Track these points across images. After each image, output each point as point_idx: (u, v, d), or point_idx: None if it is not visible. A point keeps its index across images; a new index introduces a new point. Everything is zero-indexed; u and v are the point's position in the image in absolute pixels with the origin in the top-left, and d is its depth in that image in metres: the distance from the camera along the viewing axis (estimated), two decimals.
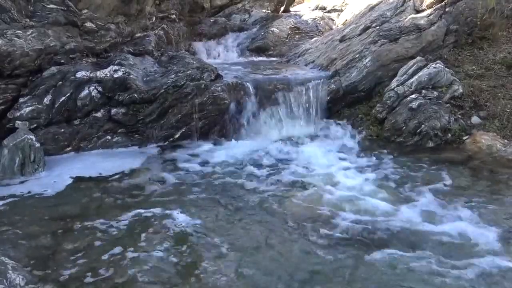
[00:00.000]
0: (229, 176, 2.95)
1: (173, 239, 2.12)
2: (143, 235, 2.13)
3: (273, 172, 3.01)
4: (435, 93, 3.73)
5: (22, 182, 2.76)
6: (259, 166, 3.14)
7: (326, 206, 2.41)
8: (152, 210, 2.41)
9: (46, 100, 3.27)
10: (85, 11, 3.65)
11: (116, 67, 3.51)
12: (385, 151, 3.45)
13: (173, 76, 3.64)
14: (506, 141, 3.31)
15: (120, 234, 2.16)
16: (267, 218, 2.33)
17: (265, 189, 2.73)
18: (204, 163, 3.18)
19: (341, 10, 6.02)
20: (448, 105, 3.69)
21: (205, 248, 2.00)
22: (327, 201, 2.47)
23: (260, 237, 2.10)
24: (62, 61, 3.44)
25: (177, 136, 3.58)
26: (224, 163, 3.17)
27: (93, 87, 3.41)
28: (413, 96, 3.72)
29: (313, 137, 3.69)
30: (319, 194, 2.55)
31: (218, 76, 3.80)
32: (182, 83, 3.60)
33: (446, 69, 3.83)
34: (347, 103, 4.08)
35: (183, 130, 3.58)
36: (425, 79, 3.77)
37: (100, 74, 3.45)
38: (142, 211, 2.41)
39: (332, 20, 5.89)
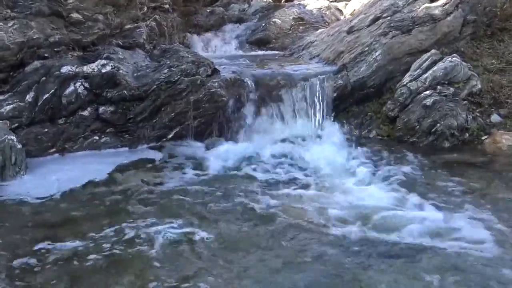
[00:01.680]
0: (227, 180, 2.94)
1: (165, 249, 2.11)
2: (135, 248, 2.12)
3: (275, 177, 2.99)
4: (451, 89, 3.73)
5: (2, 187, 2.75)
6: (259, 169, 3.13)
7: (335, 217, 2.38)
8: (144, 219, 2.39)
9: (29, 97, 3.26)
10: (71, 0, 3.63)
11: (104, 62, 3.49)
12: (397, 152, 3.45)
13: (166, 71, 3.63)
14: None
15: (109, 245, 2.15)
16: (272, 228, 2.31)
17: (267, 194, 2.73)
18: (200, 166, 3.17)
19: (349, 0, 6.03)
20: (465, 102, 3.69)
21: (207, 266, 1.96)
22: (336, 212, 2.44)
23: (269, 254, 2.05)
24: (46, 55, 3.42)
25: (170, 136, 3.57)
26: (222, 166, 3.16)
27: (79, 83, 3.40)
28: (427, 92, 3.72)
29: (319, 137, 3.68)
30: (327, 202, 2.54)
31: (215, 71, 3.79)
32: (176, 78, 3.59)
33: (463, 63, 3.83)
34: (355, 100, 4.08)
35: (177, 130, 3.58)
36: (441, 74, 3.78)
37: (87, 69, 3.44)
38: (134, 219, 2.40)
39: (339, 10, 5.87)
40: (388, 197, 2.62)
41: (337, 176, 2.96)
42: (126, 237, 2.22)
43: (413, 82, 3.80)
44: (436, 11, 4.20)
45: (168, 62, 3.73)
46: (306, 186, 2.81)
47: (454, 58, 3.85)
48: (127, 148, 3.48)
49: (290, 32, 5.60)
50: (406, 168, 3.12)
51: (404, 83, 3.84)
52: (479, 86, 3.79)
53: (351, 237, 2.18)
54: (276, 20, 5.55)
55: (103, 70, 3.46)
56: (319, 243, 2.11)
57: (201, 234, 2.22)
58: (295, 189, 2.80)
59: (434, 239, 2.14)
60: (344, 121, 3.90)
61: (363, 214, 2.42)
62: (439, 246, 2.09)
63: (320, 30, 5.22)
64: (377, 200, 2.57)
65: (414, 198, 2.62)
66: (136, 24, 4.05)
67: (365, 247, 2.09)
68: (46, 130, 3.29)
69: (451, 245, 2.11)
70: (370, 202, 2.55)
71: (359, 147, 3.51)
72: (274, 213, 2.47)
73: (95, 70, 3.45)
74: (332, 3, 6.02)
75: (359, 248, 2.08)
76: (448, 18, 4.19)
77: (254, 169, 3.11)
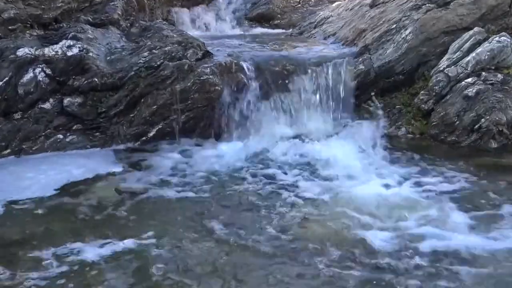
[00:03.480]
0: (221, 189, 2.91)
1: (138, 274, 2.07)
2: (106, 275, 2.08)
3: (281, 184, 2.96)
4: (500, 76, 3.68)
5: None
6: (261, 174, 3.10)
7: (353, 239, 2.31)
8: (116, 236, 2.36)
9: None
10: None
11: (70, 42, 3.47)
12: (432, 155, 3.40)
13: (146, 54, 3.61)
14: None
15: (73, 267, 2.12)
16: (278, 247, 2.25)
17: (270, 205, 2.68)
18: (188, 171, 3.15)
19: None
20: None
21: None
22: (354, 233, 2.36)
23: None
24: None
25: (151, 134, 3.55)
26: (215, 171, 3.14)
27: (40, 69, 3.37)
28: (469, 80, 3.67)
29: (334, 136, 3.65)
30: (349, 225, 2.45)
31: (207, 54, 3.77)
32: (158, 63, 3.57)
33: None
34: (380, 89, 4.05)
35: (160, 126, 3.56)
36: (486, 57, 3.72)
37: (49, 51, 3.42)
38: (104, 236, 2.36)
39: None
40: (424, 216, 2.52)
41: (354, 183, 2.90)
42: (92, 262, 2.18)
43: (452, 67, 3.77)
44: None
45: (149, 43, 3.71)
46: (320, 200, 2.75)
47: (503, 38, 3.80)
48: (98, 149, 3.47)
49: (299, 5, 5.57)
50: (444, 176, 3.06)
51: (441, 69, 3.80)
52: None
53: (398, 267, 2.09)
54: None
55: (69, 53, 3.44)
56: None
57: (175, 255, 2.18)
58: (305, 199, 2.75)
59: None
60: (367, 116, 3.88)
61: (400, 241, 2.31)
62: None
63: (336, 3, 5.21)
64: (412, 220, 2.47)
65: (455, 217, 2.53)
66: None
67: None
68: None
69: None
70: (403, 222, 2.46)
71: (385, 148, 3.48)
72: (280, 227, 2.44)
73: (59, 53, 3.43)
74: None
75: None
76: None
77: (255, 174, 3.09)
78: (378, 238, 2.31)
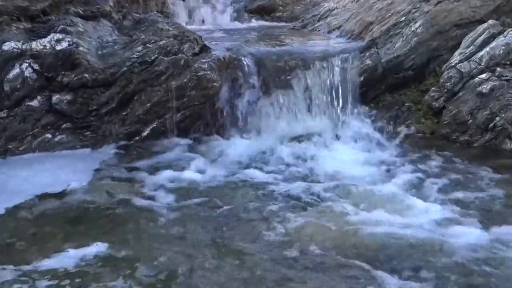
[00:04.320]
0: (218, 193, 2.90)
1: (129, 280, 2.06)
2: (96, 280, 2.07)
3: (284, 189, 2.94)
4: None
5: None
6: (262, 177, 3.10)
7: (360, 247, 2.29)
8: (106, 246, 2.33)
9: None
10: None
11: (59, 36, 3.48)
12: (444, 156, 3.39)
13: (140, 48, 3.63)
14: None
15: (62, 273, 2.12)
16: (284, 265, 2.21)
17: (273, 214, 2.64)
18: (184, 174, 3.14)
19: None
20: None
21: None
22: (361, 239, 2.34)
23: None
24: None
25: (145, 133, 3.56)
26: (213, 174, 3.13)
27: (27, 64, 3.38)
28: (483, 76, 3.67)
29: (340, 135, 3.66)
30: (353, 227, 2.45)
31: (204, 49, 3.78)
32: (152, 58, 3.58)
33: None
34: (388, 86, 4.05)
35: (155, 125, 3.57)
36: (501, 51, 3.72)
37: (36, 45, 3.43)
38: (95, 241, 2.36)
39: None
40: (436, 225, 2.48)
41: (362, 187, 2.89)
42: (82, 264, 2.18)
43: (465, 62, 3.77)
44: None
45: (143, 37, 3.72)
46: (325, 205, 2.72)
47: None
48: (89, 149, 3.47)
49: None
50: (457, 179, 3.03)
51: (453, 64, 3.80)
52: None
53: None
54: None
55: (58, 47, 3.44)
56: None
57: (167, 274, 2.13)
58: (310, 205, 2.73)
59: None
60: (374, 114, 3.88)
61: (410, 259, 2.23)
62: None
63: None
64: (426, 230, 2.41)
65: (469, 225, 2.48)
66: None
67: None
68: None
69: None
70: (415, 232, 2.39)
71: (393, 149, 3.48)
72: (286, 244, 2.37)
73: (47, 47, 3.44)
74: None
75: None
76: None
77: (256, 177, 3.08)
78: (387, 243, 2.32)
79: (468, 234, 2.38)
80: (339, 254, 2.24)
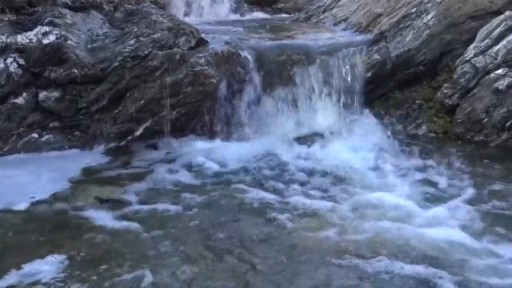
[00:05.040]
0: (217, 197, 2.89)
1: None
2: None
3: (286, 191, 2.93)
4: None
5: None
6: (263, 180, 3.09)
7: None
8: (93, 253, 2.32)
9: None
10: None
11: (46, 29, 3.48)
12: (458, 157, 3.37)
13: (132, 41, 3.62)
14: None
15: (49, 282, 2.10)
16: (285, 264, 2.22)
17: (274, 216, 2.64)
18: (179, 176, 3.14)
19: None
20: None
21: None
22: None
23: None
24: None
25: (138, 133, 3.57)
26: (211, 177, 3.13)
27: (12, 59, 3.37)
28: (499, 71, 3.68)
29: (345, 135, 3.65)
30: (354, 236, 2.43)
31: (201, 42, 3.77)
32: (146, 52, 3.57)
33: None
34: (398, 82, 4.05)
35: (148, 124, 3.57)
36: None
37: (22, 39, 3.43)
38: (78, 255, 2.32)
39: None
40: (452, 236, 2.43)
41: (372, 192, 2.86)
42: (69, 273, 2.17)
43: (480, 56, 3.77)
44: None
45: (136, 30, 3.71)
46: (332, 211, 2.69)
47: None
48: (78, 150, 3.48)
49: None
50: (474, 184, 3.00)
51: (467, 58, 3.81)
52: None
53: None
54: None
55: (45, 41, 3.44)
56: None
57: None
58: (315, 212, 2.70)
59: None
60: (383, 112, 3.90)
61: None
62: None
63: None
64: (442, 242, 2.37)
65: (488, 235, 2.45)
66: None
67: None
68: None
69: None
70: (430, 245, 2.34)
71: (404, 150, 3.46)
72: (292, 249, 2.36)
73: (34, 41, 3.43)
74: None
75: None
76: None
77: (257, 181, 3.07)
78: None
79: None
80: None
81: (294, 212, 2.71)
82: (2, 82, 3.33)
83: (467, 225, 2.55)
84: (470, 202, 2.80)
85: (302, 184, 3.05)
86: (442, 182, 3.04)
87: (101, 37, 3.68)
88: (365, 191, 2.89)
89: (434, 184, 3.02)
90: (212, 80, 3.60)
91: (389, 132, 3.67)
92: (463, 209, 2.70)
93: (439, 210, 2.67)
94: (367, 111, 3.87)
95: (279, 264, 2.25)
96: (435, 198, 2.85)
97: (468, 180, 3.06)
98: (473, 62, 3.75)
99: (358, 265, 2.22)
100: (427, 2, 4.10)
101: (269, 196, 2.88)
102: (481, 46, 3.80)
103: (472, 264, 2.22)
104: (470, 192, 2.93)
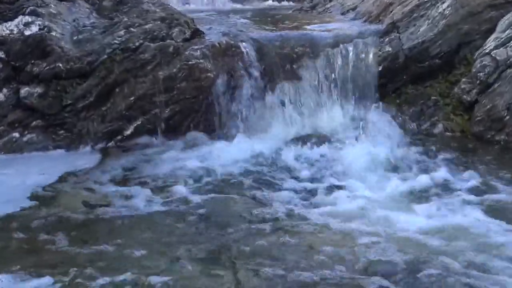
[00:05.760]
0: (212, 202, 2.86)
1: None
2: None
3: (288, 195, 2.91)
4: None
5: None
6: (264, 183, 3.07)
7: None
8: (79, 265, 2.27)
9: None
10: None
11: (28, 19, 3.49)
12: (477, 158, 3.34)
13: (122, 33, 3.63)
14: None
15: None
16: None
17: (277, 226, 2.58)
18: (172, 179, 3.12)
19: None
20: None
21: None
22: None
23: None
24: None
25: (128, 132, 3.57)
26: (207, 181, 3.11)
27: None
28: None
29: (354, 134, 3.61)
30: (361, 248, 2.34)
31: (197, 33, 3.78)
32: (136, 44, 3.58)
33: None
34: (411, 77, 4.01)
35: (139, 123, 3.57)
36: None
37: (2, 30, 3.45)
38: (63, 265, 2.28)
39: None
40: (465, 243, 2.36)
41: (382, 198, 2.83)
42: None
43: (501, 49, 3.72)
44: None
45: (125, 19, 3.72)
46: (339, 220, 2.62)
47: None
48: (62, 151, 3.48)
49: None
50: (496, 189, 2.93)
51: (487, 51, 3.76)
52: None
53: None
54: None
55: (27, 32, 3.45)
56: None
57: None
58: (322, 220, 2.64)
59: None
60: (395, 109, 3.85)
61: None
62: None
63: None
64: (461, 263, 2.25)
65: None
66: None
67: None
68: None
69: None
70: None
71: (417, 151, 3.42)
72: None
73: (15, 32, 3.45)
74: None
75: None
76: None
77: (253, 183, 3.05)
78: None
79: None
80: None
81: (293, 222, 2.65)
82: None
83: None
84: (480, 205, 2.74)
85: (300, 182, 3.05)
86: (455, 186, 2.98)
87: (88, 27, 3.69)
88: (371, 191, 2.87)
89: (449, 190, 2.95)
90: (208, 74, 3.60)
91: (401, 131, 3.64)
92: None
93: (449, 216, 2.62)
94: (377, 108, 3.84)
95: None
96: (447, 206, 2.76)
97: (483, 182, 3.00)
98: (493, 55, 3.70)
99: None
100: None
101: (266, 194, 2.90)
102: (502, 38, 3.75)
103: None
104: (474, 188, 2.91)
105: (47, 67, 3.43)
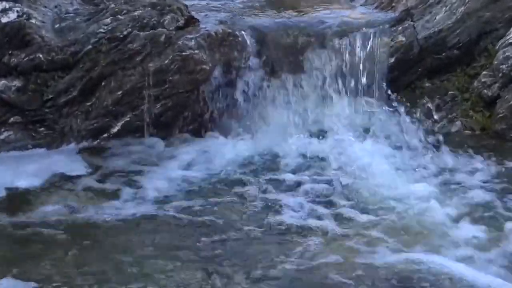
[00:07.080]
0: (208, 206, 2.89)
1: None
2: None
3: (291, 197, 2.93)
4: None
5: None
6: (264, 185, 3.09)
7: None
8: (63, 273, 2.32)
9: None
10: None
11: (5, 5, 3.48)
12: (500, 160, 3.36)
13: (108, 20, 3.63)
14: None
15: None
16: None
17: (278, 232, 2.63)
18: (163, 181, 3.15)
19: None
20: None
21: None
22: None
23: None
24: None
25: (115, 129, 3.58)
26: (203, 183, 3.13)
27: None
28: None
29: (363, 132, 3.65)
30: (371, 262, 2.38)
31: (191, 21, 3.79)
32: (124, 33, 3.58)
33: None
34: (427, 69, 4.03)
35: (127, 119, 3.59)
36: None
37: None
38: (45, 275, 2.32)
39: None
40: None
41: (395, 201, 2.86)
42: None
43: None
44: None
45: (112, 6, 3.72)
46: (349, 226, 2.67)
47: None
48: (43, 150, 3.49)
49: None
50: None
51: (510, 41, 3.80)
52: None
53: None
54: None
55: (4, 20, 3.45)
56: None
57: None
58: (329, 227, 2.68)
59: None
60: (409, 105, 3.87)
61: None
62: None
63: None
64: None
65: None
66: None
67: None
68: None
69: None
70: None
71: (433, 150, 3.46)
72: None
73: None
74: None
75: None
76: None
77: (253, 184, 3.08)
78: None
79: None
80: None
81: (298, 225, 2.70)
82: None
83: None
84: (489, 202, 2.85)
85: (304, 184, 3.06)
86: (474, 192, 3.02)
87: (71, 14, 3.69)
88: (380, 195, 2.90)
89: (467, 196, 2.99)
90: (203, 66, 3.61)
91: (415, 129, 3.66)
92: None
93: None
94: (390, 103, 3.85)
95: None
96: (460, 202, 2.87)
97: (500, 183, 3.07)
98: None
99: None
100: None
101: (266, 196, 2.95)
102: None
103: None
104: (495, 193, 2.96)
105: (26, 58, 3.42)
